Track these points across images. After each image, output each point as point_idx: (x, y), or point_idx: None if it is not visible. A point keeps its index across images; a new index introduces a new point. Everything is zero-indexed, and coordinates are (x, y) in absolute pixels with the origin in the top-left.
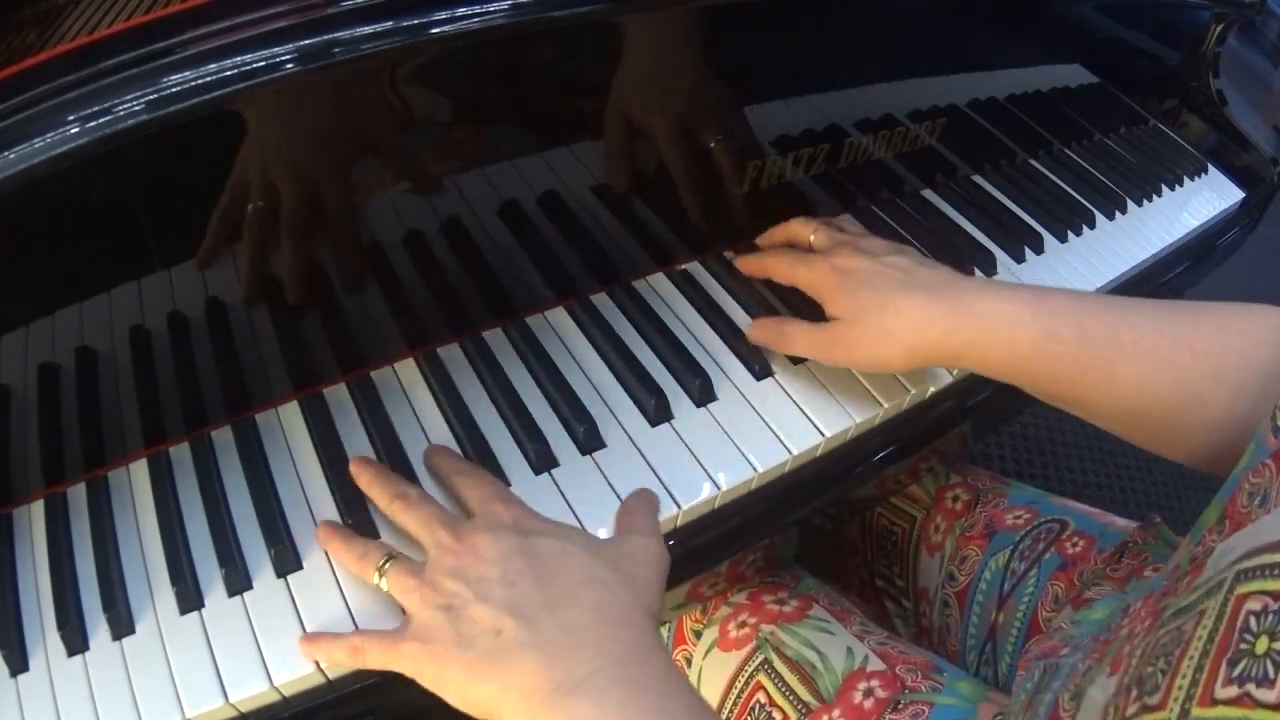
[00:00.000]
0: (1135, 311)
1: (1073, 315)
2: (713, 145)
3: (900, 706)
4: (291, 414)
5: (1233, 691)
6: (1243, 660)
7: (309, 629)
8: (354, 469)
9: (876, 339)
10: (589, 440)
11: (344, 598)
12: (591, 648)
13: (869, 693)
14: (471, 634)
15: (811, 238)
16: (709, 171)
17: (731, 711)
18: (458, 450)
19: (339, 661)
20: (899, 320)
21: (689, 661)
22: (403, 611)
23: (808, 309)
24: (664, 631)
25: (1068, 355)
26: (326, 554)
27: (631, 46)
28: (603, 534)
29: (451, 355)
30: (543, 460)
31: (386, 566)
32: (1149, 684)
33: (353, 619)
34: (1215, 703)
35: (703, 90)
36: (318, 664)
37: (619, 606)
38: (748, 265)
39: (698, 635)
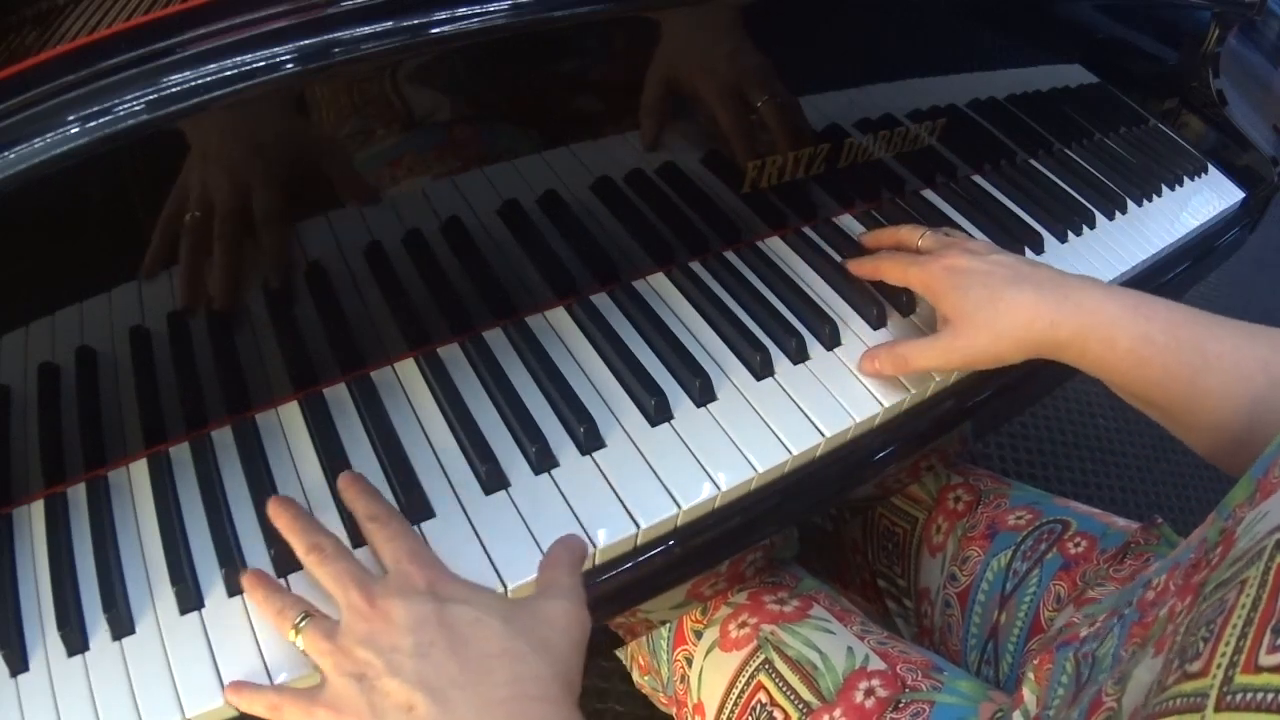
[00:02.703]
0: (1221, 327)
1: (1168, 323)
2: (712, 144)
3: (901, 705)
4: (291, 414)
5: (1278, 659)
6: None
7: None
8: (271, 511)
9: (990, 336)
10: (589, 440)
11: None
12: None
13: (870, 692)
14: (383, 707)
15: (920, 242)
16: (708, 172)
17: (733, 711)
18: (460, 444)
19: (260, 715)
20: (1009, 315)
21: (690, 661)
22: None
23: (809, 310)
24: (664, 631)
25: (1158, 360)
26: None
27: (633, 47)
28: (602, 536)
29: (451, 355)
30: (543, 460)
31: (302, 624)
32: (1190, 652)
33: None
34: (1260, 670)
35: (704, 92)
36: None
37: (534, 680)
38: (860, 268)
39: (698, 635)
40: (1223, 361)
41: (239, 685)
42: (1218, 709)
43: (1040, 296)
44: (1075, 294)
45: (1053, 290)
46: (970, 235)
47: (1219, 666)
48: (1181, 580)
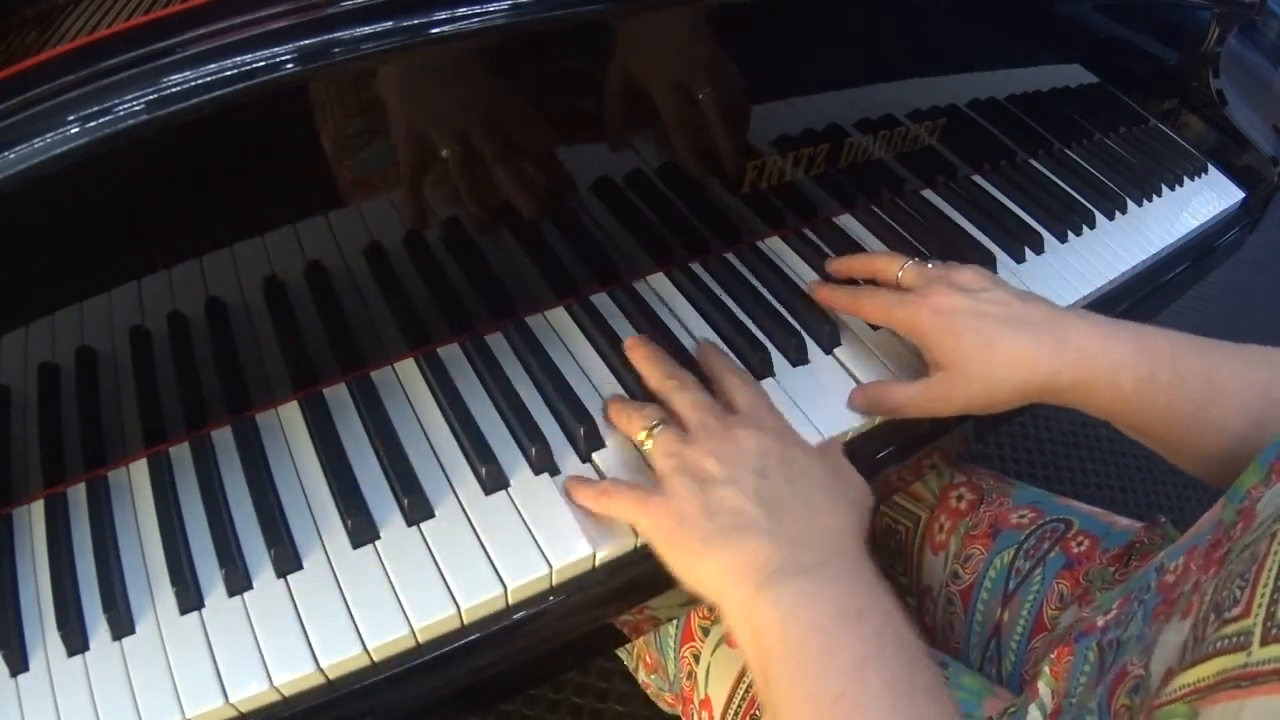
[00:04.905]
0: (1222, 355)
1: (1171, 358)
2: (713, 142)
3: None
4: (291, 414)
5: None
6: None
7: (309, 628)
8: (630, 344)
9: (984, 385)
10: (589, 440)
11: (344, 597)
12: (819, 546)
13: None
14: (716, 509)
15: (900, 275)
16: (710, 170)
17: (740, 705)
18: (460, 444)
19: (586, 503)
20: (1007, 366)
21: (697, 658)
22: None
23: (808, 310)
24: (671, 629)
25: (1163, 398)
26: (327, 552)
27: (633, 46)
28: (602, 538)
29: (451, 355)
30: (542, 460)
31: (658, 429)
32: (1227, 603)
33: (352, 619)
34: None
35: (703, 89)
36: (318, 665)
37: (845, 521)
38: (834, 299)
39: (705, 632)
40: (1224, 392)
41: (575, 480)
42: (1264, 643)
43: (1038, 342)
44: (1074, 337)
45: (1050, 334)
46: (962, 236)
47: (1260, 605)
48: (1202, 559)
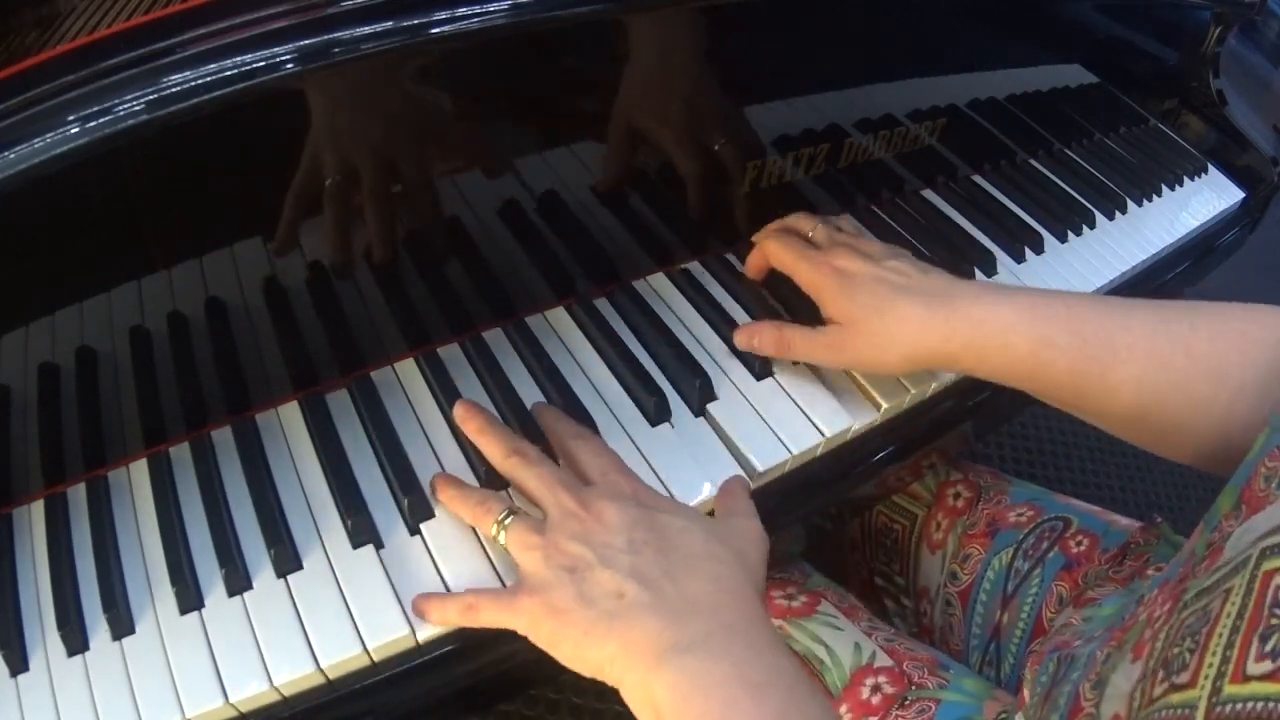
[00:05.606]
0: (1131, 314)
1: (1068, 321)
2: (714, 145)
3: (907, 703)
4: (291, 414)
5: (1266, 667)
6: (1274, 635)
7: (309, 628)
8: (460, 414)
9: (874, 345)
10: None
11: (344, 597)
12: (709, 614)
13: (876, 688)
14: (593, 595)
15: (810, 234)
16: (710, 171)
17: None
18: (461, 445)
19: (451, 621)
20: (898, 327)
21: None
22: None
23: (806, 310)
24: None
25: (1063, 360)
26: (327, 552)
27: (632, 46)
28: None
29: (451, 355)
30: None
31: (508, 521)
32: (1176, 664)
33: (352, 619)
34: (1248, 679)
35: (703, 90)
36: (318, 665)
37: (733, 580)
38: (750, 261)
39: None
40: (1134, 352)
41: (426, 598)
42: None
43: (930, 310)
44: (964, 305)
45: (942, 303)
46: (962, 236)
47: (1207, 678)
48: (1169, 592)
